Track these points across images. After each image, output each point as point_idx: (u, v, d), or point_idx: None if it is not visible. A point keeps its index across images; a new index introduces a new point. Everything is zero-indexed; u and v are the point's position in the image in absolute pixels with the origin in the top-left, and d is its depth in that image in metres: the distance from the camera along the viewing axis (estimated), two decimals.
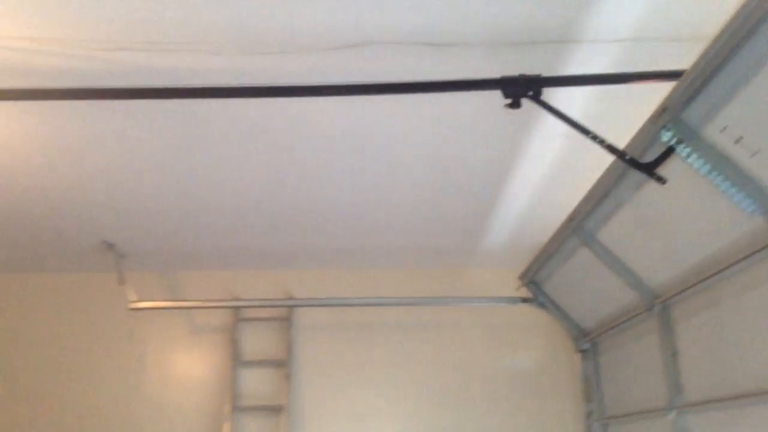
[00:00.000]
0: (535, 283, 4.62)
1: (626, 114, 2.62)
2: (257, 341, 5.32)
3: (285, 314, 5.34)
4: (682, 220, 2.87)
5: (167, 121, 2.99)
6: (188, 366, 5.32)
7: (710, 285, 2.91)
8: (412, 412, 5.17)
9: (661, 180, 2.45)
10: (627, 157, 2.47)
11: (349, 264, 5.38)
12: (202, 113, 2.90)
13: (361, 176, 3.70)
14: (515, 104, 2.49)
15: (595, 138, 2.48)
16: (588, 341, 4.63)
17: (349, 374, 5.27)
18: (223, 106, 2.79)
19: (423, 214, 4.26)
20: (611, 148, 2.48)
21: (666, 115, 2.28)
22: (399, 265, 5.38)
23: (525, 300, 4.69)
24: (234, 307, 5.30)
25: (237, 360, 5.21)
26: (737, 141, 2.22)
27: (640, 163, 2.46)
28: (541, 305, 4.68)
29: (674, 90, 2.20)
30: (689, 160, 2.33)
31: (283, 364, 5.20)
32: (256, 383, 5.22)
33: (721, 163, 2.31)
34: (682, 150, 2.32)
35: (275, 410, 5.08)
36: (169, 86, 2.43)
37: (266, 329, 5.35)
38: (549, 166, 3.54)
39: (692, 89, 2.13)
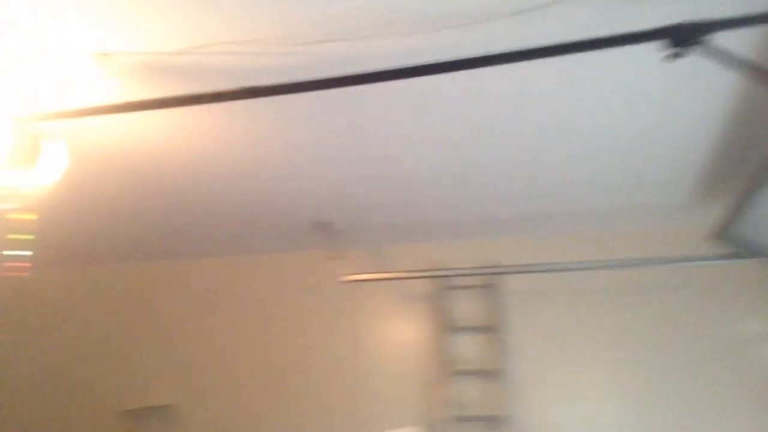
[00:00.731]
0: (733, 237, 4.22)
1: None
2: (466, 309, 5.47)
3: (491, 281, 5.42)
4: None
5: (368, 103, 3.17)
6: (400, 333, 5.62)
7: None
8: (632, 381, 5.02)
9: None
10: None
11: (552, 229, 5.34)
12: (399, 93, 3.03)
13: (554, 141, 3.66)
14: (680, 54, 2.34)
15: None
16: None
17: (562, 340, 5.24)
18: (419, 85, 2.88)
19: (619, 174, 4.12)
20: None
21: None
22: (600, 227, 5.24)
23: (737, 255, 4.35)
24: (440, 276, 5.48)
25: (447, 327, 5.41)
26: None
27: None
28: (756, 255, 4.30)
29: None
30: None
31: (493, 331, 5.31)
32: (467, 350, 5.38)
33: None
34: None
35: (490, 375, 5.21)
36: (368, 71, 2.53)
37: (474, 297, 5.47)
38: (723, 114, 3.27)
39: None
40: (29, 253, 3.13)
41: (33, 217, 2.94)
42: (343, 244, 5.35)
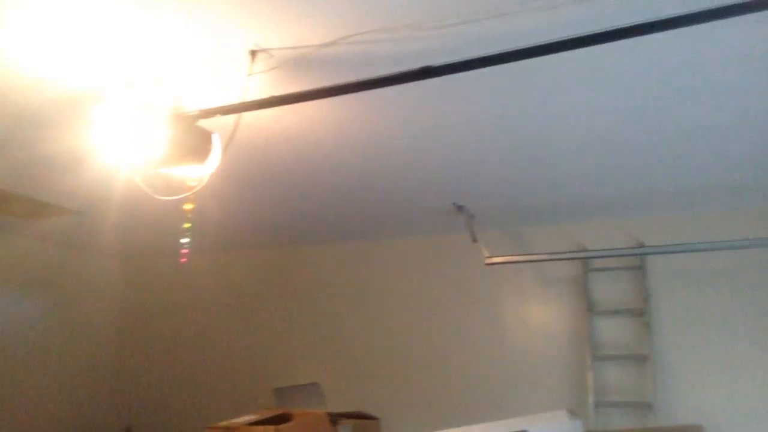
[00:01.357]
0: None
1: None
2: (610, 291, 5.31)
3: (637, 263, 5.23)
4: None
5: (506, 83, 3.09)
6: (543, 316, 5.54)
7: None
8: None
9: None
10: None
11: (701, 206, 5.04)
12: (548, 69, 2.93)
13: (701, 111, 3.46)
14: None
15: None
16: None
17: (713, 323, 4.97)
18: (558, 61, 2.75)
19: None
20: None
21: None
22: (751, 204, 4.91)
23: None
24: (583, 258, 5.35)
25: (591, 310, 5.28)
26: None
27: None
28: None
29: None
30: None
31: (640, 313, 5.13)
32: (613, 332, 5.23)
33: None
34: None
35: (638, 360, 5.05)
36: (510, 49, 2.43)
37: (618, 278, 5.30)
38: None
39: None
40: (188, 240, 3.35)
41: (191, 206, 3.14)
42: (483, 227, 5.33)
